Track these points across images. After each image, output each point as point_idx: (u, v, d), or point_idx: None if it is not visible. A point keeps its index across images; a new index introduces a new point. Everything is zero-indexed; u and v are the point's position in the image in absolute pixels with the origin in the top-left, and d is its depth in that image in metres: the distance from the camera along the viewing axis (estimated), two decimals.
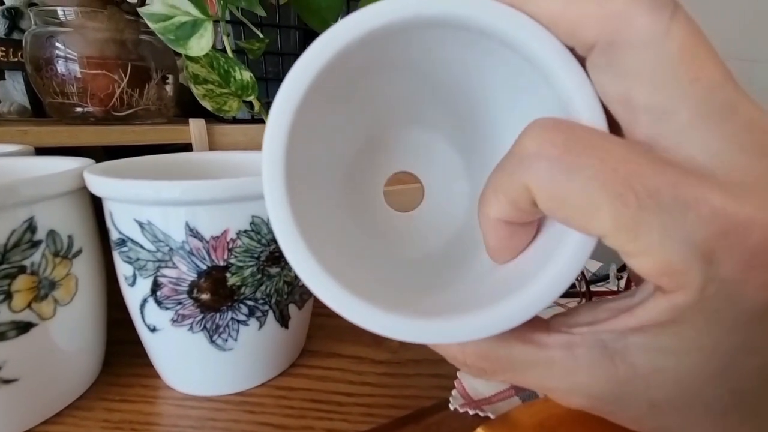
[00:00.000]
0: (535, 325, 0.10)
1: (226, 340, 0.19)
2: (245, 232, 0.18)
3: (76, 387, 0.21)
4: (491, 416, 0.20)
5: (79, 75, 0.35)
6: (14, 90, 0.44)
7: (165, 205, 0.17)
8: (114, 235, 0.18)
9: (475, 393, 0.21)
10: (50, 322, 0.18)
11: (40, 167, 0.22)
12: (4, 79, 0.44)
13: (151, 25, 0.28)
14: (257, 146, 0.42)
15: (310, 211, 0.11)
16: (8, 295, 0.17)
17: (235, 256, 0.18)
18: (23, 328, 0.17)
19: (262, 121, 0.36)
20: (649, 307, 0.09)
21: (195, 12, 0.27)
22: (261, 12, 0.30)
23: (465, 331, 0.10)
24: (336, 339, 0.26)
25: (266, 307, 0.20)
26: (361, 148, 0.14)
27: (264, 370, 0.22)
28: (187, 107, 0.47)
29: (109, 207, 0.18)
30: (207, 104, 0.32)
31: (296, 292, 0.21)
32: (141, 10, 0.28)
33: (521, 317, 0.09)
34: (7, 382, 0.17)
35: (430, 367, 0.24)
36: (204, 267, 0.18)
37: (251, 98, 0.34)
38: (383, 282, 0.12)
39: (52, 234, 0.18)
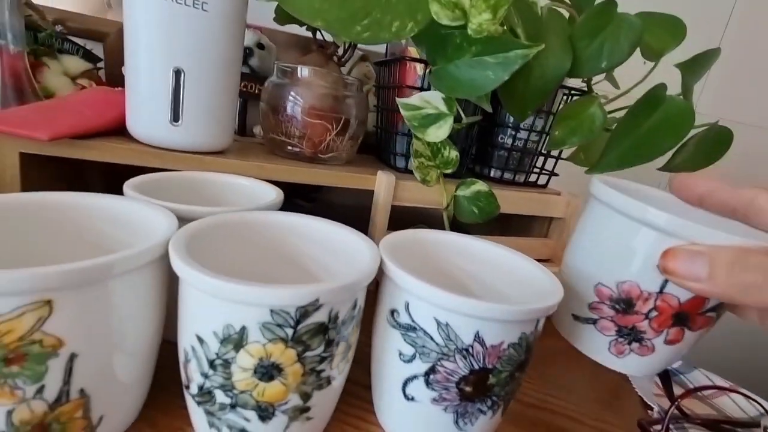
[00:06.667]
0: None
1: (466, 424, 0.23)
2: (513, 344, 0.21)
3: None
4: None
5: (302, 121, 0.41)
6: None
7: (465, 316, 0.21)
8: (403, 319, 0.22)
9: None
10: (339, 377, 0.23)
11: (340, 240, 0.27)
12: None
13: (403, 113, 0.32)
14: (429, 202, 0.46)
15: None
16: (329, 359, 0.21)
17: (501, 363, 0.21)
18: (327, 381, 0.22)
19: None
20: None
21: (442, 107, 0.32)
22: (488, 108, 0.33)
23: None
24: None
25: (501, 402, 0.23)
26: None
27: None
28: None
29: (406, 297, 0.22)
30: (417, 174, 0.37)
31: (519, 389, 0.24)
32: (399, 101, 0.32)
33: None
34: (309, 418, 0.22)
35: None
36: (476, 367, 0.21)
37: (449, 170, 0.38)
38: None
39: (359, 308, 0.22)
